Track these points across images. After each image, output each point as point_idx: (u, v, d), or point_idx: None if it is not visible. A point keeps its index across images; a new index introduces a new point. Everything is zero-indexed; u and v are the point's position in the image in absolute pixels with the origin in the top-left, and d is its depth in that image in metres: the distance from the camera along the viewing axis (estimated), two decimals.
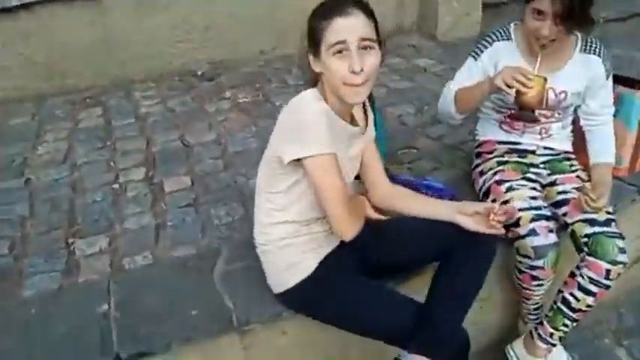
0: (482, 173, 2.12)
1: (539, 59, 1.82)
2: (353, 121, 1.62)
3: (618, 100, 2.24)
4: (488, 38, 2.02)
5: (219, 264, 1.90)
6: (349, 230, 1.46)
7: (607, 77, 2.00)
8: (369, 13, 1.42)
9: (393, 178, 2.32)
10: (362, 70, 1.38)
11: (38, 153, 2.85)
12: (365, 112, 1.70)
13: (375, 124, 1.76)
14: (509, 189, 1.95)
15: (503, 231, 1.60)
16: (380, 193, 1.80)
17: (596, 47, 1.98)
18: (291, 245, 1.59)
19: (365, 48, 1.39)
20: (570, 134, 2.17)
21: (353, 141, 1.62)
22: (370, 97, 1.65)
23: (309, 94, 1.46)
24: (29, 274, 1.98)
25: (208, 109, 3.26)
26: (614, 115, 2.21)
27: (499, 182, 2.00)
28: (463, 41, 4.05)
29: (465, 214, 1.61)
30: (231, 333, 1.67)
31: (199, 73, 3.69)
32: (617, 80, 2.22)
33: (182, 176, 2.57)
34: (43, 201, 2.43)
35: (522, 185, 1.96)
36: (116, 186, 2.52)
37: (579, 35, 1.98)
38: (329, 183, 1.42)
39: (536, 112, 1.83)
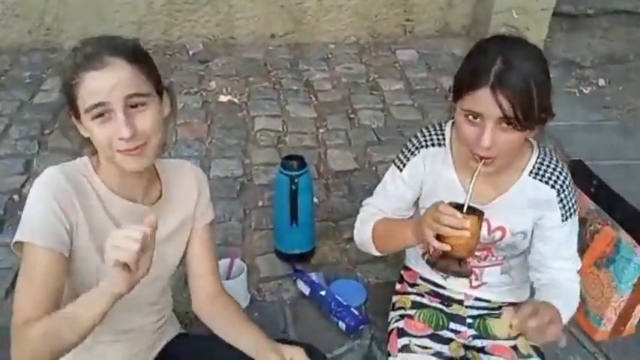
0: (394, 306, 1.61)
1: (473, 179, 1.20)
2: (149, 193, 1.21)
3: (614, 247, 1.63)
4: (414, 141, 1.41)
5: None
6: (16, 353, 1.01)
7: (564, 220, 1.33)
8: (136, 59, 1.06)
9: (297, 274, 1.86)
10: (134, 135, 1.04)
11: None
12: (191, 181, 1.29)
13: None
14: (404, 348, 1.44)
15: None
16: (202, 299, 1.34)
17: (552, 174, 1.32)
18: None
19: (135, 106, 1.05)
20: (522, 282, 1.54)
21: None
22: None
23: (55, 171, 1.10)
24: None
25: None
26: (607, 265, 1.61)
27: (400, 332, 1.50)
28: None
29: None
30: None
31: (191, 52, 3.25)
32: (622, 217, 1.61)
33: None
34: None
35: (423, 349, 1.44)
36: (16, 197, 2.22)
37: (535, 146, 1.35)
38: (20, 282, 1.06)
39: (468, 261, 1.25)
